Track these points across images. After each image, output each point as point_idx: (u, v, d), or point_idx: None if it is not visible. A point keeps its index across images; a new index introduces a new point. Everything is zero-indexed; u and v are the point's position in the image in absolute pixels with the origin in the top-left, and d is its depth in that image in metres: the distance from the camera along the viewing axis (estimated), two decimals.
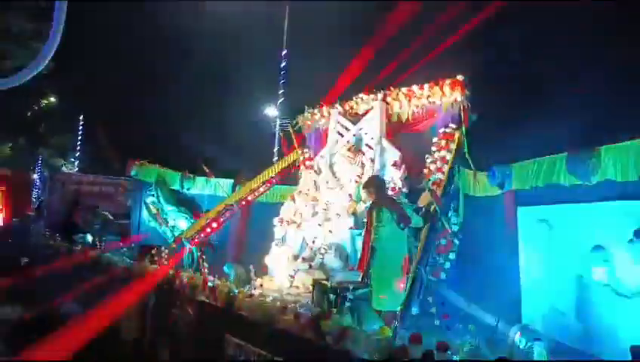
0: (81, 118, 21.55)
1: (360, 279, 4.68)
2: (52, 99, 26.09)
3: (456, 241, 6.35)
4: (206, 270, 6.11)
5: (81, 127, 21.41)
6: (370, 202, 5.21)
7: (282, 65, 12.17)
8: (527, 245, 5.70)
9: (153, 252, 7.56)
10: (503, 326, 4.66)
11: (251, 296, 5.11)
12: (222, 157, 12.60)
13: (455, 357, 3.35)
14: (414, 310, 4.89)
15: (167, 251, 7.59)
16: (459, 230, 6.43)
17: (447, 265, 6.33)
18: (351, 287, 4.44)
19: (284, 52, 12.42)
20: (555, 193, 5.28)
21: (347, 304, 4.31)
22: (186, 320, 6.00)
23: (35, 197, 20.82)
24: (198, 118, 19.23)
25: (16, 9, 16.40)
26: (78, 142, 21.50)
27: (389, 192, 6.71)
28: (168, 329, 6.31)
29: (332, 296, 4.36)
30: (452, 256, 6.36)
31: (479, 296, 5.86)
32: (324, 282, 4.70)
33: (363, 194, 5.66)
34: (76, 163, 23.17)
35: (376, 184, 5.27)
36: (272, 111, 12.73)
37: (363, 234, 5.16)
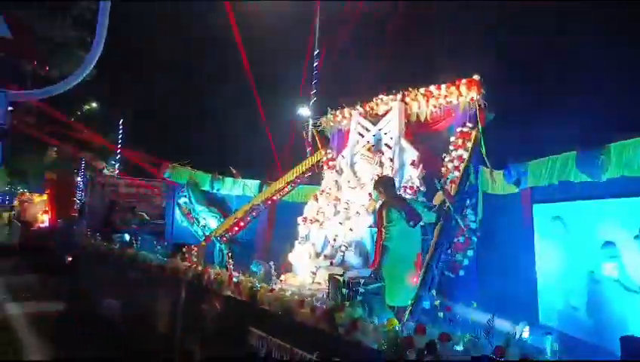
0: (120, 122, 22.09)
1: (371, 274, 4.89)
2: (94, 105, 27.26)
3: (475, 239, 6.46)
4: (231, 266, 6.43)
5: (120, 131, 21.92)
6: (380, 202, 5.41)
7: (315, 65, 12.16)
8: (543, 242, 5.78)
9: (184, 250, 7.97)
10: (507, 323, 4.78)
11: (272, 290, 5.39)
12: (252, 158, 12.99)
13: (456, 347, 3.52)
14: (426, 304, 5.05)
15: (196, 249, 8.00)
16: (477, 228, 6.55)
17: (466, 262, 6.45)
18: (362, 282, 4.66)
19: (316, 51, 12.37)
20: (570, 190, 5.35)
21: (359, 297, 4.53)
22: (213, 314, 6.34)
23: (78, 199, 21.69)
24: (229, 119, 19.68)
25: (60, 19, 17.09)
26: (119, 146, 22.14)
27: (408, 191, 6.90)
28: (197, 323, 6.66)
29: (344, 290, 4.59)
30: (470, 253, 6.48)
31: (497, 293, 5.97)
32: (338, 277, 4.93)
33: (373, 193, 5.86)
34: (117, 165, 23.84)
35: (384, 184, 5.45)
36: (305, 111, 12.86)
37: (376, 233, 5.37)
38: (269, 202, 9.02)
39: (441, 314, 3.96)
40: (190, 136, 19.25)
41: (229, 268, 6.43)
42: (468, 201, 6.55)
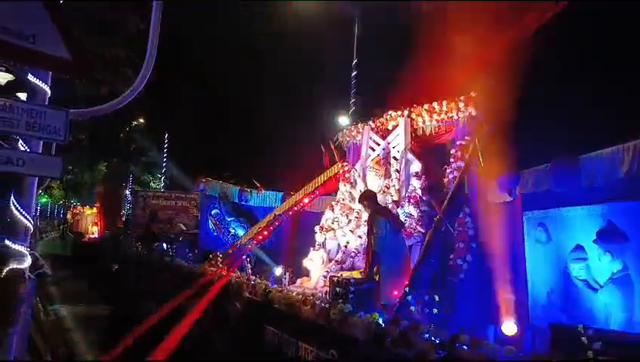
0: (165, 136, 22.64)
1: (363, 276, 5.51)
2: (141, 120, 28.70)
3: (473, 245, 6.95)
4: (250, 271, 7.19)
5: (166, 145, 22.31)
6: (368, 213, 6.02)
7: (353, 75, 12.16)
8: (531, 247, 6.20)
9: (211, 256, 8.78)
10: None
11: (281, 291, 6.10)
12: (277, 171, 13.75)
13: (424, 335, 4.12)
14: (413, 301, 5.59)
15: (221, 256, 8.78)
16: (475, 234, 7.02)
17: (465, 266, 6.94)
18: (352, 281, 5.28)
19: (354, 61, 12.21)
20: (551, 198, 5.78)
21: (350, 296, 5.15)
22: (235, 313, 7.09)
23: (125, 211, 22.88)
24: (262, 132, 20.48)
25: (111, 38, 18.24)
26: (164, 159, 22.82)
27: (411, 201, 7.45)
28: (222, 321, 7.43)
29: (338, 289, 5.22)
30: (469, 258, 6.97)
31: (496, 295, 6.43)
32: (334, 278, 5.57)
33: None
34: (162, 178, 24.52)
35: (367, 197, 6.08)
36: (344, 120, 13.33)
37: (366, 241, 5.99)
38: (290, 212, 9.73)
39: (412, 309, 4.53)
40: (222, 152, 20.21)
41: (248, 273, 7.18)
42: (467, 210, 7.05)
